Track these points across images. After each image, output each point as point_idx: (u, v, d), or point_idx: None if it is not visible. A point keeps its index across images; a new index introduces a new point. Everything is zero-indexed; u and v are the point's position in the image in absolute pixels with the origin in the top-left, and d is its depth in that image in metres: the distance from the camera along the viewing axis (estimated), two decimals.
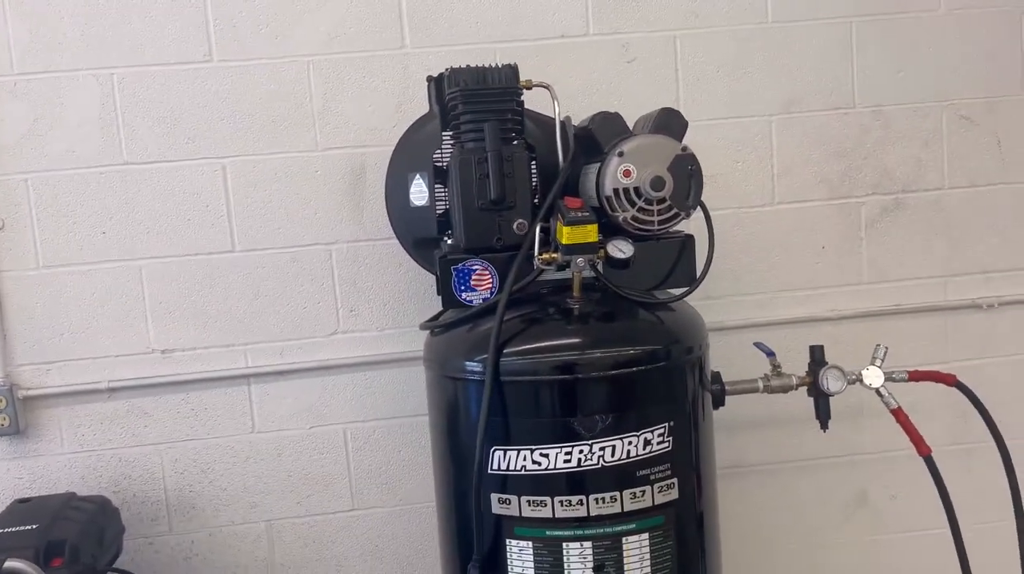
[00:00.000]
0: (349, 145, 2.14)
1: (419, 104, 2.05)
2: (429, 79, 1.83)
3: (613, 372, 1.51)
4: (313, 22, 2.11)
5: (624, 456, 1.50)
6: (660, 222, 1.59)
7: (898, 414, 1.82)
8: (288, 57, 2.11)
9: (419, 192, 1.77)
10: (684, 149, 1.58)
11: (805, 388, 1.85)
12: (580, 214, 1.50)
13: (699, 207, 1.63)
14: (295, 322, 2.18)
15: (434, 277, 1.86)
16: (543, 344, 1.55)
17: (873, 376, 1.83)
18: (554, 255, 1.54)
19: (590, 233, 1.50)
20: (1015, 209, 2.31)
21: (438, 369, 1.66)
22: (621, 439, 1.50)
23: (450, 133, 1.71)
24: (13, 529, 1.77)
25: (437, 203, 1.75)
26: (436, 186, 1.75)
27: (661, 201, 1.57)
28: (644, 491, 1.52)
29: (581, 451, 1.49)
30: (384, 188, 1.92)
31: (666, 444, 1.54)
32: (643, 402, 1.54)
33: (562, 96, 1.76)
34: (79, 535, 1.78)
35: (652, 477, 1.53)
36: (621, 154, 1.56)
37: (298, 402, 2.21)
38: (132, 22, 2.07)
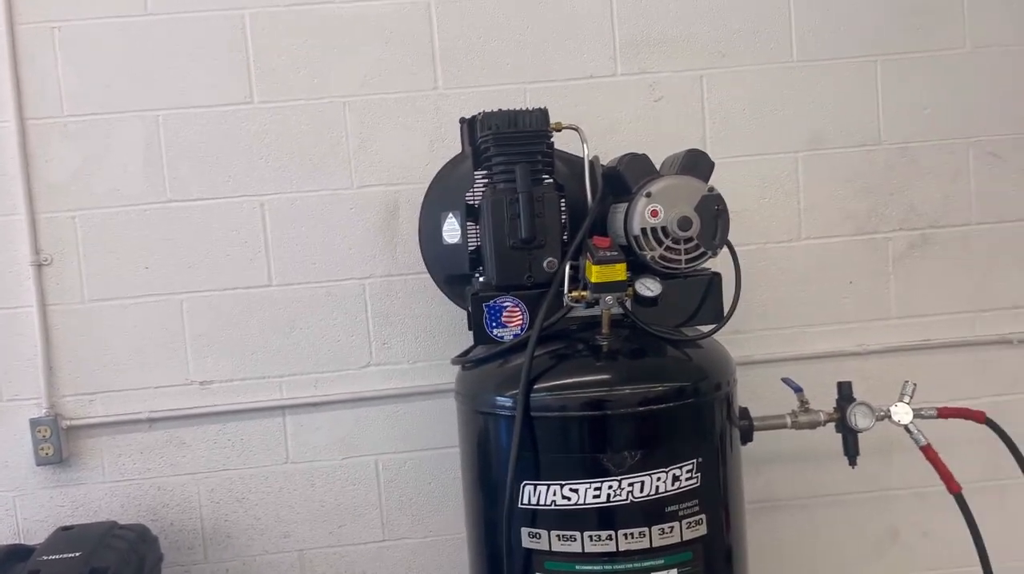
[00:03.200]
0: (383, 183, 2.20)
1: (451, 143, 2.11)
2: (462, 121, 1.89)
3: (642, 409, 1.54)
4: (349, 64, 2.18)
5: (653, 492, 1.52)
6: (687, 261, 1.62)
7: (927, 451, 1.83)
8: (325, 98, 2.18)
9: (451, 230, 1.82)
10: (711, 190, 1.62)
11: (833, 424, 1.86)
12: (609, 253, 1.54)
13: (726, 245, 1.65)
14: (329, 354, 2.23)
15: (465, 311, 1.90)
16: (573, 380, 1.58)
17: (902, 413, 1.83)
18: (583, 293, 1.57)
19: (619, 272, 1.53)
20: None
21: (469, 403, 1.70)
22: (650, 475, 1.52)
23: (482, 173, 1.77)
24: (56, 556, 1.83)
25: (469, 241, 1.80)
26: (468, 224, 1.80)
27: (688, 240, 1.61)
28: (673, 527, 1.54)
29: (611, 487, 1.52)
30: (417, 225, 1.98)
31: (694, 480, 1.56)
32: (672, 438, 1.57)
33: (590, 135, 1.81)
34: (120, 563, 1.83)
35: (680, 513, 1.54)
36: (649, 195, 1.60)
37: (331, 433, 2.25)
38: (177, 65, 2.15)
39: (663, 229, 1.61)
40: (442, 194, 1.89)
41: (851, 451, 1.83)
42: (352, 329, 2.23)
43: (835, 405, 1.86)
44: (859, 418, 1.80)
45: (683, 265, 1.62)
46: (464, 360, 1.77)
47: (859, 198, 2.28)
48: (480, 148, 1.72)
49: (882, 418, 1.83)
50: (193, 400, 2.21)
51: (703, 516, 1.56)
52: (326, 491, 2.26)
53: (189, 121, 2.17)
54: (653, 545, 1.53)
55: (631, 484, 1.52)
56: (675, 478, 1.54)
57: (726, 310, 1.72)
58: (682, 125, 2.23)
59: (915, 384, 1.87)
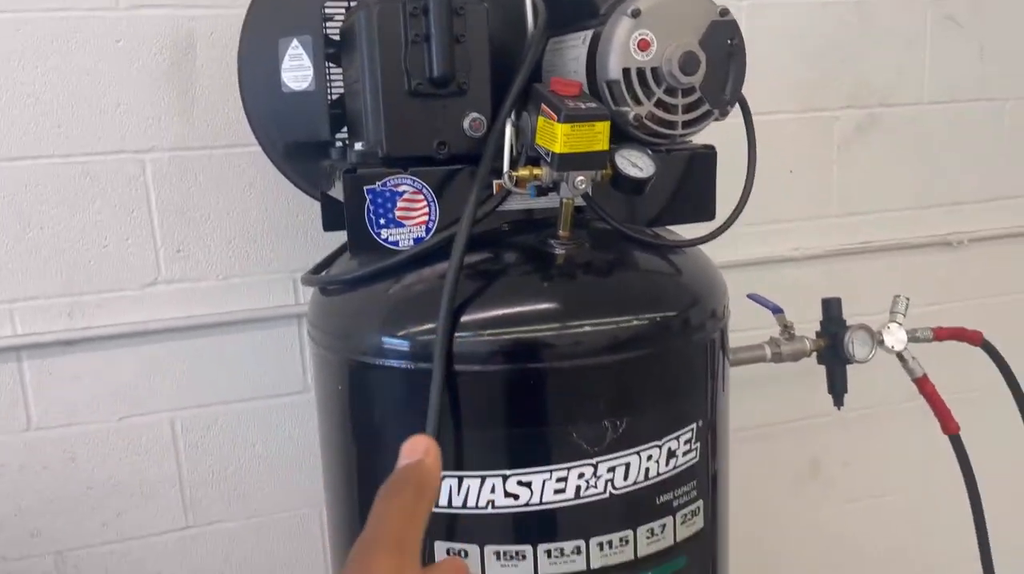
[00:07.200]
0: (169, 3, 1.44)
1: None
2: None
3: (631, 355, 0.98)
4: None
5: (642, 478, 1.00)
6: (685, 123, 1.05)
7: (924, 384, 1.44)
8: None
9: (297, 68, 1.13)
10: (723, 13, 1.05)
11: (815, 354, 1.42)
12: (584, 104, 0.94)
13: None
14: (91, 268, 1.48)
15: (317, 202, 1.25)
16: (519, 310, 0.99)
17: (895, 338, 1.43)
18: (537, 171, 0.97)
19: (598, 136, 0.94)
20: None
21: (339, 347, 1.06)
22: (638, 453, 0.99)
23: None
24: None
25: (332, 84, 1.12)
26: (328, 56, 1.11)
27: (688, 91, 1.04)
28: (664, 525, 1.03)
29: (582, 475, 0.97)
30: (237, 63, 1.25)
31: (693, 453, 1.05)
32: (668, 395, 1.03)
33: None
34: None
35: (675, 503, 1.03)
36: (636, 13, 1.00)
37: (99, 383, 1.52)
38: None
39: (654, 72, 1.02)
40: (278, 10, 1.17)
41: (839, 388, 1.41)
42: (127, 230, 1.49)
43: (820, 329, 1.42)
44: (857, 346, 1.37)
45: (678, 130, 1.05)
46: (327, 280, 1.12)
47: (809, 64, 1.82)
48: None
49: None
50: None
51: (700, 503, 1.07)
52: (95, 467, 1.54)
53: None
54: (639, 555, 1.01)
55: (612, 469, 0.98)
56: (670, 454, 1.02)
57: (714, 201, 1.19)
58: None
59: (908, 299, 1.47)
